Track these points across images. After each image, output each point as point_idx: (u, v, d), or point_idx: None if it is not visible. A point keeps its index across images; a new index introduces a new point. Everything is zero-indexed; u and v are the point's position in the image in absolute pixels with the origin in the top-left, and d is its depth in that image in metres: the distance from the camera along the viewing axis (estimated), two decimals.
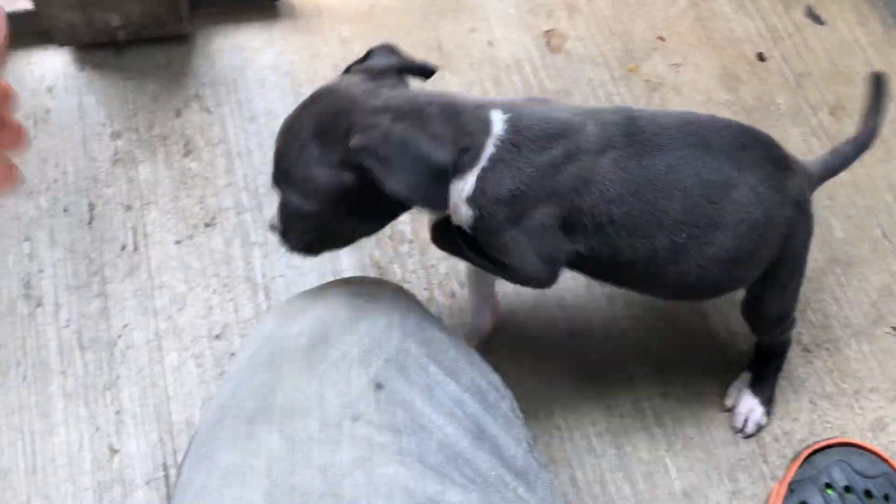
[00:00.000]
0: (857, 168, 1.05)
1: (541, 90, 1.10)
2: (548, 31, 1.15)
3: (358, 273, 0.96)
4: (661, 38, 1.15)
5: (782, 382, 0.93)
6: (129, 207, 0.99)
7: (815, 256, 1.00)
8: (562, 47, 1.14)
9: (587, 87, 1.11)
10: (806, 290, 0.98)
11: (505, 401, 0.65)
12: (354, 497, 0.48)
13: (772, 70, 1.13)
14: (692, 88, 1.11)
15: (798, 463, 0.85)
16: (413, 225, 1.00)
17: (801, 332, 0.96)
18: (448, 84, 1.10)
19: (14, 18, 1.07)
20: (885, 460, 0.83)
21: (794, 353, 0.95)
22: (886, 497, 0.81)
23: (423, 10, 1.15)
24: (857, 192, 1.05)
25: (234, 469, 0.50)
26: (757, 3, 1.18)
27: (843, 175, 1.03)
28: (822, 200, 1.04)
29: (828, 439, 0.86)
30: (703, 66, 1.13)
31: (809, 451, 0.85)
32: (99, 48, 1.08)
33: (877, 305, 0.98)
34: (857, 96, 1.11)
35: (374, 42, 1.11)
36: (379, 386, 0.56)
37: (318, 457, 0.50)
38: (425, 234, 0.99)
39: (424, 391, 0.58)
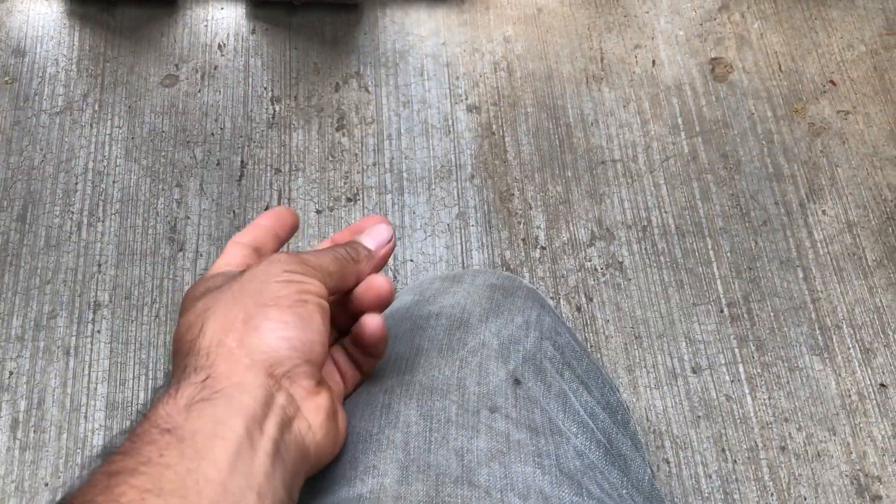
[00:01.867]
0: None
1: (699, 117, 1.07)
2: (714, 59, 1.12)
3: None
4: (833, 83, 1.10)
5: None
6: (277, 171, 1.02)
7: None
8: (726, 77, 1.10)
9: (747, 121, 1.07)
10: None
11: (631, 422, 0.63)
12: (489, 487, 0.47)
13: None
14: (859, 139, 1.06)
15: None
16: (548, 231, 0.99)
17: None
18: (604, 97, 1.08)
19: None
20: None
21: None
22: None
23: (590, 20, 1.14)
24: None
25: (371, 437, 0.50)
26: None
27: None
28: None
29: None
30: (874, 118, 1.08)
31: None
32: (273, 6, 1.12)
33: None
34: None
35: (537, 45, 1.11)
36: (517, 381, 0.56)
37: (455, 440, 0.49)
38: (559, 242, 0.98)
39: (560, 396, 0.57)
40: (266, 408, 0.37)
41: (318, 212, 1.00)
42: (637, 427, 0.66)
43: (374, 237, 0.48)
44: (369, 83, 1.08)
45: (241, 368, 0.37)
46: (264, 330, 0.38)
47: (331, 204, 1.00)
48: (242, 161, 1.03)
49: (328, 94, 1.08)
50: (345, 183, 1.02)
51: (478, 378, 0.55)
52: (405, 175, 1.02)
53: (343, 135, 1.05)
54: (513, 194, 1.02)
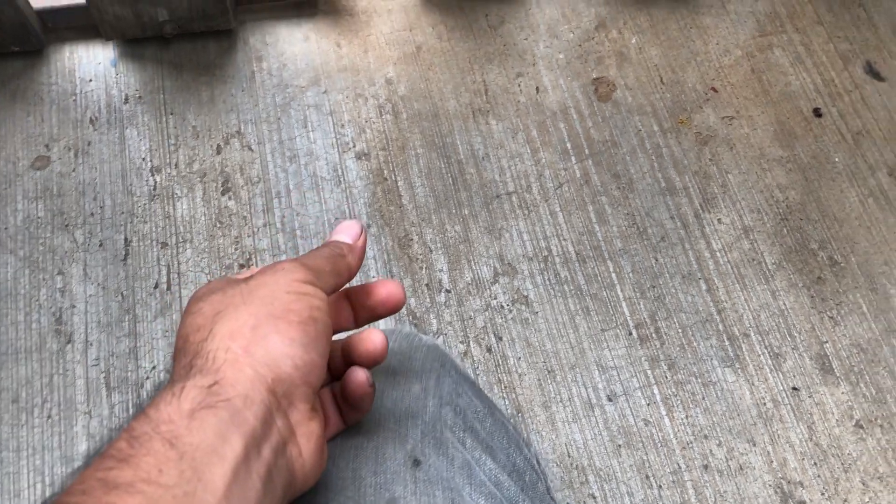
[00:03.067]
0: None
1: (587, 139, 1.07)
2: (596, 79, 1.12)
3: (392, 324, 0.94)
4: (714, 90, 1.12)
5: (831, 460, 0.89)
6: (164, 244, 0.98)
7: (872, 325, 0.96)
8: (610, 96, 1.11)
9: (635, 138, 1.08)
10: (860, 361, 0.93)
11: (541, 482, 0.61)
12: None
13: (828, 127, 1.09)
14: (745, 143, 1.08)
15: None
16: (451, 273, 0.98)
17: (854, 407, 0.91)
18: (492, 130, 1.07)
19: (65, 13, 1.07)
20: None
21: (846, 430, 0.90)
22: None
23: (471, 53, 1.13)
24: None
25: None
26: (814, 57, 1.15)
27: (887, 235, 0.99)
28: (879, 266, 0.99)
29: None
30: (757, 120, 1.10)
31: None
32: (144, 42, 1.08)
33: None
34: None
35: (421, 84, 1.10)
36: (416, 462, 0.53)
37: None
38: (463, 283, 0.96)
39: (464, 468, 0.55)
40: (266, 427, 0.37)
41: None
42: (550, 483, 0.64)
43: (346, 232, 0.49)
44: (252, 141, 1.05)
45: (246, 378, 0.37)
46: (272, 342, 0.38)
47: (223, 273, 0.97)
48: (126, 239, 0.98)
49: (210, 157, 1.04)
50: (236, 248, 0.98)
51: (374, 466, 0.53)
52: (298, 233, 0.99)
53: (229, 198, 1.01)
54: (411, 239, 1.00)
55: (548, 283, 0.98)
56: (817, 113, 1.10)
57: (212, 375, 0.37)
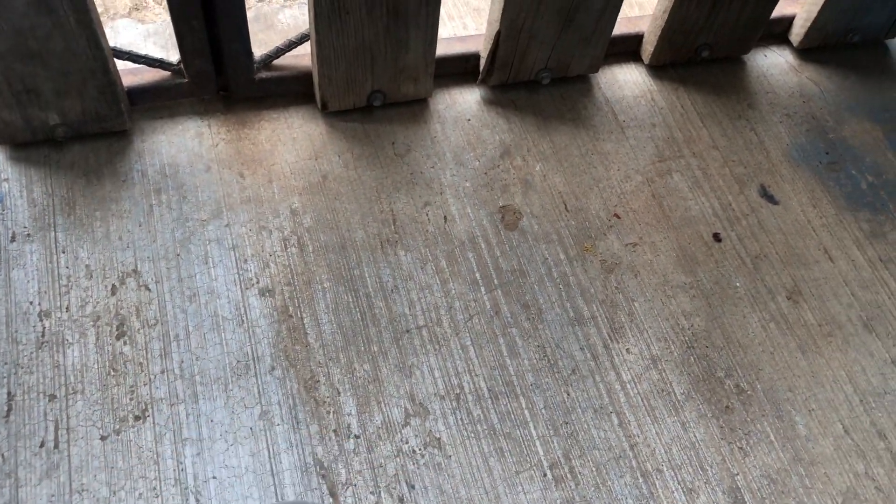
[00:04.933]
0: (817, 358, 1.03)
1: (496, 269, 1.07)
2: (503, 207, 1.13)
3: (298, 474, 0.89)
4: (617, 216, 1.14)
5: None
6: (52, 397, 0.92)
7: (781, 454, 0.97)
8: (517, 224, 1.11)
9: (542, 266, 1.08)
10: (771, 492, 0.94)
11: None
12: None
13: (728, 251, 1.12)
14: (649, 270, 1.09)
15: None
16: (360, 417, 0.94)
17: None
18: (401, 261, 1.06)
19: None
20: None
21: None
22: None
23: (378, 183, 1.13)
24: (818, 384, 1.02)
25: None
26: (711, 181, 1.19)
27: (801, 364, 1.01)
28: (783, 392, 1.01)
29: None
30: (660, 246, 1.12)
31: None
32: (33, 155, 1.03)
33: None
34: (812, 280, 1.10)
35: (327, 214, 1.08)
36: None
37: None
38: (373, 427, 0.93)
39: None
40: None
41: (102, 438, 0.90)
42: None
43: None
44: (149, 280, 1.01)
45: None
46: None
47: (117, 426, 0.91)
48: (9, 393, 0.91)
49: (104, 298, 0.99)
50: (131, 399, 0.93)
51: None
52: (198, 378, 0.95)
53: (125, 343, 0.96)
54: (318, 381, 0.97)
55: (461, 423, 0.96)
56: (717, 238, 1.13)
57: None
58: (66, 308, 0.98)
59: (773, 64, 1.35)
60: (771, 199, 1.18)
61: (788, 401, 1.01)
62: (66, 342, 0.95)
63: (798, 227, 1.16)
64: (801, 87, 1.32)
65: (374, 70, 1.12)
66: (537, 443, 0.95)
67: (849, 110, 1.30)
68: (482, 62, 1.20)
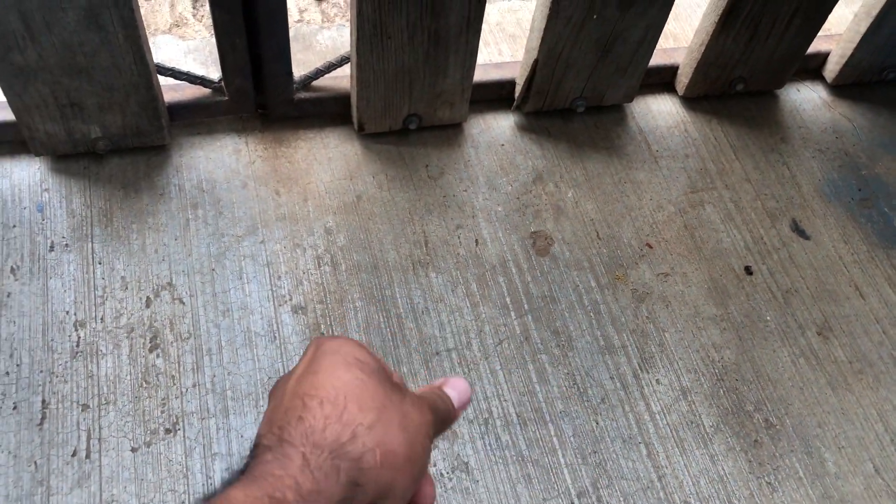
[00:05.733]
0: (847, 395, 1.02)
1: (526, 294, 1.07)
2: (534, 233, 1.13)
3: None
4: (649, 245, 1.14)
5: None
6: (85, 407, 0.92)
7: (809, 492, 0.96)
8: (548, 250, 1.12)
9: (573, 293, 1.08)
10: None
11: None
12: None
13: (759, 285, 1.12)
14: (680, 301, 1.09)
15: None
16: None
17: None
18: (432, 283, 1.07)
19: None
20: None
21: None
22: None
23: (411, 204, 1.13)
24: (848, 422, 1.02)
25: None
26: (743, 214, 1.19)
27: (831, 400, 1.00)
28: (813, 429, 1.00)
29: None
30: (692, 278, 1.12)
31: None
32: (73, 168, 1.04)
33: None
34: (843, 316, 1.10)
35: (360, 234, 1.09)
36: None
37: None
38: None
39: None
40: None
41: (133, 450, 0.90)
42: None
43: (459, 391, 0.53)
44: (183, 294, 1.02)
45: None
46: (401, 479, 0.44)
47: (147, 438, 0.91)
48: (44, 401, 0.92)
49: (138, 310, 1.00)
50: (162, 412, 0.93)
51: None
52: (229, 394, 0.95)
53: (157, 356, 0.97)
54: None
55: (489, 447, 0.95)
56: (748, 271, 1.13)
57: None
58: (101, 319, 0.99)
59: (806, 99, 1.35)
60: (802, 233, 1.18)
61: (818, 437, 1.00)
62: (100, 353, 0.96)
63: (829, 262, 1.16)
64: (835, 123, 1.32)
65: (411, 94, 1.13)
66: (565, 471, 0.95)
67: (882, 147, 1.30)
68: (518, 89, 1.21)
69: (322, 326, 1.02)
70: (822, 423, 1.01)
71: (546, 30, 1.09)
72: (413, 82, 1.11)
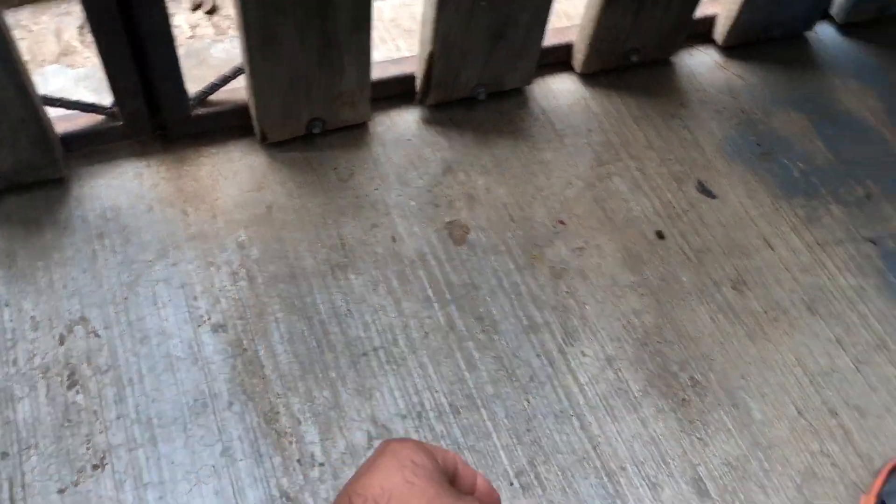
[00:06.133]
0: (766, 343, 1.05)
1: (447, 284, 1.08)
2: (450, 223, 1.14)
3: None
4: (562, 222, 1.16)
5: None
6: (4, 455, 0.90)
7: (739, 441, 0.99)
8: (465, 239, 1.13)
9: (493, 278, 1.09)
10: (732, 479, 0.96)
11: None
12: None
13: (672, 248, 1.15)
14: (597, 272, 1.11)
15: (883, 477, 0.94)
16: (323, 444, 0.94)
17: None
18: (352, 285, 1.06)
19: None
20: None
21: None
22: None
23: (323, 209, 1.13)
24: (768, 370, 1.05)
25: None
26: (650, 181, 1.21)
27: (751, 351, 1.03)
28: (737, 380, 1.03)
29: None
30: (606, 249, 1.14)
31: (892, 466, 0.95)
32: None
33: (801, 489, 0.96)
34: (754, 268, 1.14)
35: (275, 245, 1.08)
36: None
37: None
38: (337, 453, 0.93)
39: None
40: None
41: (60, 491, 0.88)
42: None
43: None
44: (98, 326, 0.99)
45: None
46: None
47: (74, 478, 0.89)
48: None
49: (52, 349, 0.97)
50: (87, 448, 0.91)
51: None
52: (155, 421, 0.94)
53: (77, 392, 0.95)
54: (278, 412, 0.96)
55: (424, 440, 0.96)
56: (660, 235, 1.16)
57: None
58: (14, 362, 0.96)
59: (700, 63, 1.39)
60: (709, 193, 1.21)
61: (742, 388, 1.03)
62: (15, 397, 0.94)
63: (737, 218, 1.19)
64: (729, 84, 1.36)
65: (310, 98, 1.12)
66: (501, 453, 0.96)
67: (775, 102, 1.34)
68: (418, 82, 1.22)
69: (244, 342, 1.00)
70: (744, 375, 1.04)
71: (437, 21, 1.10)
72: (311, 86, 1.11)
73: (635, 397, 1.01)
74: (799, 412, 1.02)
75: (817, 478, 0.98)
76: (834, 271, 1.15)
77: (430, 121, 1.24)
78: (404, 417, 0.97)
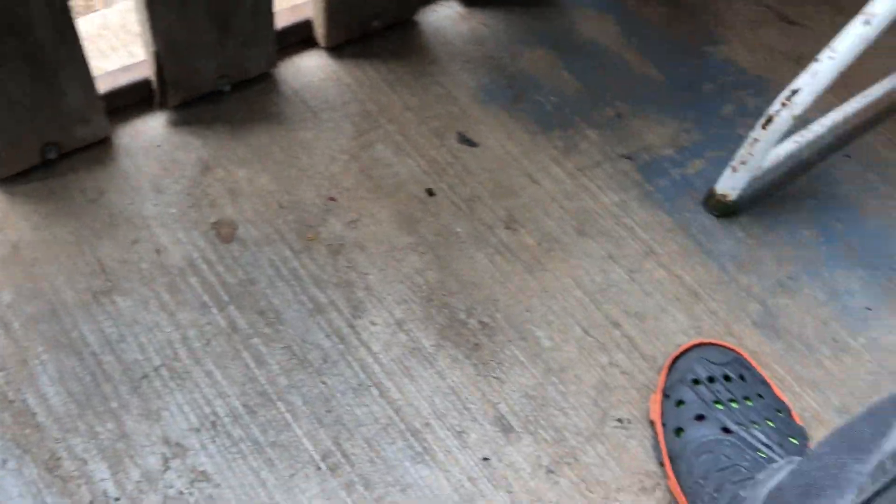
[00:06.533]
0: (544, 273, 1.09)
1: (223, 285, 1.04)
2: (215, 223, 1.10)
3: None
4: (332, 199, 1.15)
5: None
6: None
7: (533, 371, 1.02)
8: (234, 235, 1.09)
9: (270, 268, 1.07)
10: (532, 409, 0.99)
11: None
12: None
13: (442, 202, 1.16)
14: (374, 241, 1.11)
15: (665, 372, 1.00)
16: (116, 478, 0.89)
17: (541, 454, 0.96)
18: (120, 308, 1.01)
19: None
20: (729, 348, 1.00)
21: (540, 480, 0.94)
22: (741, 377, 0.97)
23: (75, 236, 1.06)
24: (550, 298, 1.09)
25: None
26: (412, 142, 1.22)
27: (531, 284, 1.07)
28: (522, 314, 1.07)
29: (682, 346, 1.01)
30: (380, 216, 1.14)
31: (671, 360, 1.00)
32: None
33: (598, 402, 1.01)
34: (523, 205, 1.17)
35: (27, 284, 1.01)
36: None
37: None
38: (132, 483, 0.88)
39: None
40: None
41: None
42: None
43: None
44: None
45: None
46: None
47: None
48: None
49: None
50: None
51: None
52: None
53: None
54: (60, 458, 0.90)
55: (223, 448, 0.93)
56: (430, 192, 1.17)
57: None
58: None
59: (443, 17, 1.41)
60: (470, 142, 1.24)
61: (528, 321, 1.07)
62: None
63: (500, 161, 1.22)
64: (474, 33, 1.39)
65: (36, 123, 1.05)
66: (304, 440, 0.94)
67: (519, 43, 1.38)
68: (154, 86, 1.16)
69: (9, 395, 0.93)
70: (529, 308, 1.08)
71: (152, 18, 1.05)
72: (32, 110, 1.03)
73: (429, 353, 1.03)
74: (584, 331, 1.07)
75: (610, 388, 1.02)
76: (597, 192, 1.21)
77: (177, 122, 1.19)
78: (198, 431, 0.94)
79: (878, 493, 0.52)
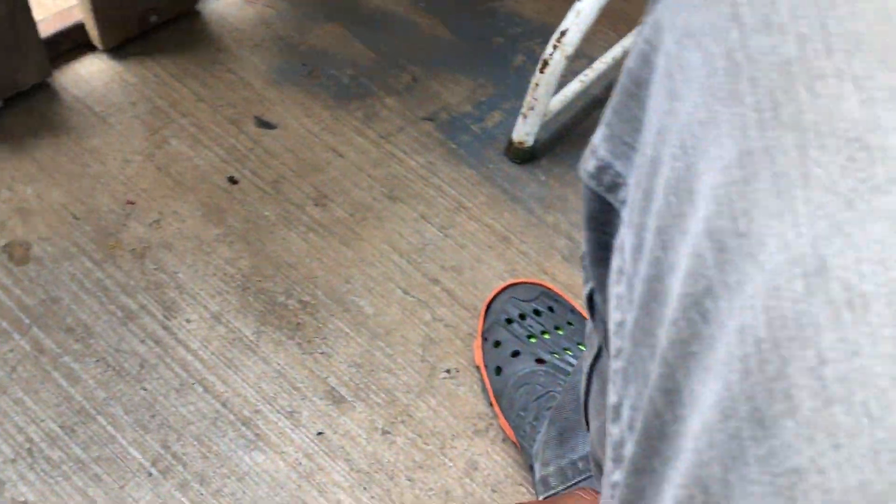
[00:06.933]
0: (360, 243, 1.10)
1: (22, 309, 1.00)
2: (6, 246, 1.05)
3: None
4: (131, 202, 1.11)
5: (377, 476, 0.94)
6: None
7: (358, 340, 1.03)
8: (28, 256, 1.04)
9: (73, 283, 1.03)
10: (362, 376, 1.00)
11: None
12: None
13: (247, 188, 1.15)
14: (181, 238, 1.09)
15: (482, 317, 1.03)
16: None
17: (374, 418, 0.98)
18: None
19: None
20: (537, 284, 1.04)
21: (377, 443, 0.96)
22: (550, 308, 1.01)
23: None
24: (369, 265, 1.10)
25: None
26: (208, 133, 1.20)
27: (348, 255, 1.08)
28: (342, 286, 1.07)
29: (494, 290, 1.04)
30: (183, 212, 1.11)
31: (485, 306, 1.03)
32: None
33: (425, 358, 1.04)
34: (331, 180, 1.18)
35: None
36: None
37: None
38: None
39: None
40: None
41: None
42: None
43: None
44: None
45: None
46: None
47: None
48: None
49: None
50: None
51: None
52: None
53: None
54: None
55: (44, 473, 0.89)
56: (233, 180, 1.16)
57: None
58: None
59: (226, 4, 1.38)
60: (268, 125, 1.23)
61: (349, 291, 1.08)
62: None
63: (302, 140, 1.22)
64: (260, 15, 1.37)
65: None
66: (131, 449, 0.92)
67: (307, 19, 1.38)
68: None
69: None
70: (348, 279, 1.09)
71: None
72: None
73: (251, 340, 1.02)
74: (405, 292, 1.09)
75: (436, 342, 1.05)
76: (403, 157, 1.23)
77: None
78: (14, 461, 0.90)
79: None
